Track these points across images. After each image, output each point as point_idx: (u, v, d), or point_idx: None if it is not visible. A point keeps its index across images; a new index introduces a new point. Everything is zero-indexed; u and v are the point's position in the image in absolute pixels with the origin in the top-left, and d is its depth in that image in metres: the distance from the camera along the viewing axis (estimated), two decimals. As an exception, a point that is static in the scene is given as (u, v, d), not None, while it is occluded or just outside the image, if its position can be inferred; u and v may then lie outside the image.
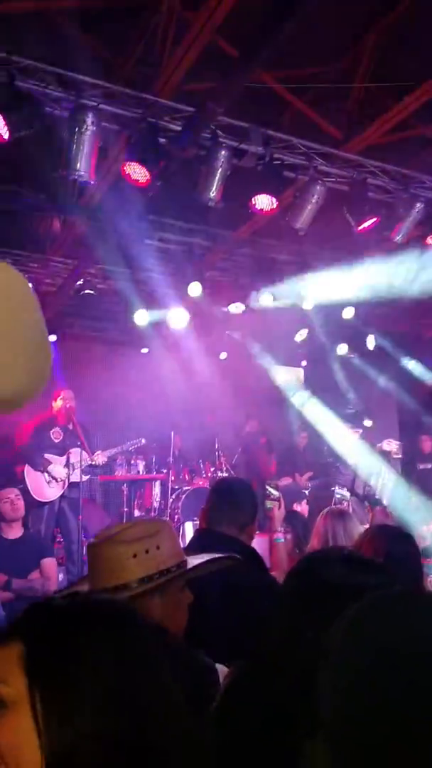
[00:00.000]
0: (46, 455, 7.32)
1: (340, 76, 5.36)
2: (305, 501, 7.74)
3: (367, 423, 9.58)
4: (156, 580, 1.63)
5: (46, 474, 7.25)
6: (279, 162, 5.41)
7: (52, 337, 8.83)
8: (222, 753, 1.08)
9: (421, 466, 9.16)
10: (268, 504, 3.22)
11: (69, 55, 4.73)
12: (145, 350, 9.61)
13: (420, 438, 9.41)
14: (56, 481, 7.29)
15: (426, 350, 10.24)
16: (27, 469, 7.19)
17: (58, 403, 7.60)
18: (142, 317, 8.58)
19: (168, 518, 8.07)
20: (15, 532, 5.13)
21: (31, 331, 0.92)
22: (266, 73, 5.06)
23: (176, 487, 8.60)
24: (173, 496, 8.45)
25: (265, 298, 8.17)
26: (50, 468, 7.29)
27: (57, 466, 7.34)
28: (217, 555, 1.87)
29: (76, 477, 7.36)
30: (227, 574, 1.95)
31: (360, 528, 3.49)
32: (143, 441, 8.50)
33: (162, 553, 1.67)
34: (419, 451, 9.34)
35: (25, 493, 7.02)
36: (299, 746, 0.98)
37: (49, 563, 5.25)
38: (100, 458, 7.72)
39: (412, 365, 10.15)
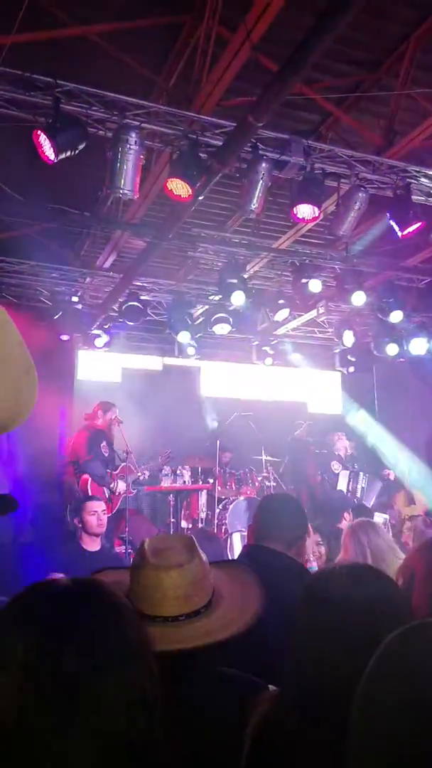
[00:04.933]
0: (111, 471, 7.46)
1: (380, 83, 5.33)
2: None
3: None
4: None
5: (106, 489, 7.31)
6: (320, 171, 5.40)
7: (103, 340, 8.99)
8: None
9: None
10: None
11: (111, 76, 4.83)
12: (191, 351, 9.59)
13: None
14: (115, 495, 7.40)
15: None
16: (90, 483, 7.22)
17: (102, 417, 7.73)
18: (184, 337, 8.85)
19: (215, 529, 8.07)
20: (95, 545, 5.02)
21: (12, 364, 0.99)
22: (306, 84, 5.07)
23: (223, 497, 8.56)
24: (220, 507, 8.43)
25: (314, 284, 7.84)
26: (113, 485, 7.39)
27: (120, 482, 7.47)
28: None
29: (123, 491, 7.50)
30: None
31: (389, 540, 3.46)
32: (169, 451, 8.56)
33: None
34: None
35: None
36: None
37: None
38: (143, 474, 7.91)
39: None
